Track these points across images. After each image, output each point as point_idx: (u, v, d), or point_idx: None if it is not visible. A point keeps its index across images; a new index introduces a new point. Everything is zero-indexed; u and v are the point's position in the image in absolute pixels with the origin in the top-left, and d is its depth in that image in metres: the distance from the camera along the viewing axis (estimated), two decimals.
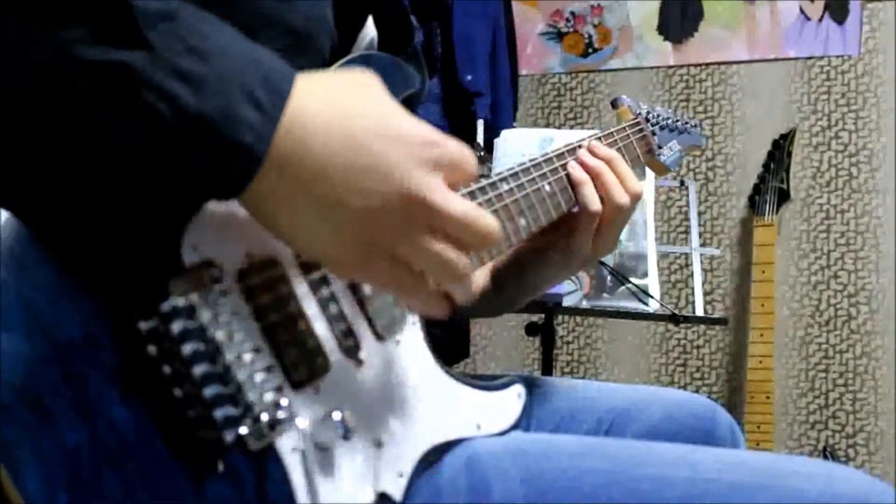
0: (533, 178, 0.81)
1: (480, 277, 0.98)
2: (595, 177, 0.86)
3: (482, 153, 2.07)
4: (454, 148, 0.59)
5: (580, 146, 0.89)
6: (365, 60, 0.74)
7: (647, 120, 1.03)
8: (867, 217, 2.59)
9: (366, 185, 0.54)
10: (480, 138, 2.17)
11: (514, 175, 0.79)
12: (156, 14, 0.51)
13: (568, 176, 0.86)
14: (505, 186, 0.77)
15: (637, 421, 0.90)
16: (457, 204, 0.57)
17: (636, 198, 0.88)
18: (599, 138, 0.93)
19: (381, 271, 0.57)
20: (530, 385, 0.95)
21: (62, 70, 0.49)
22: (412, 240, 0.56)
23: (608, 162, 0.88)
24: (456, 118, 2.68)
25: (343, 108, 0.56)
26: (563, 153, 0.87)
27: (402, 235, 0.56)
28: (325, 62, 0.73)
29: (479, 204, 0.73)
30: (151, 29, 0.51)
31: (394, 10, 0.85)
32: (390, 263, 0.57)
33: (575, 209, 0.87)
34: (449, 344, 1.03)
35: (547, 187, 0.82)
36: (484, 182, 0.74)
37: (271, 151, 0.52)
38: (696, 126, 1.13)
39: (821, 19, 2.66)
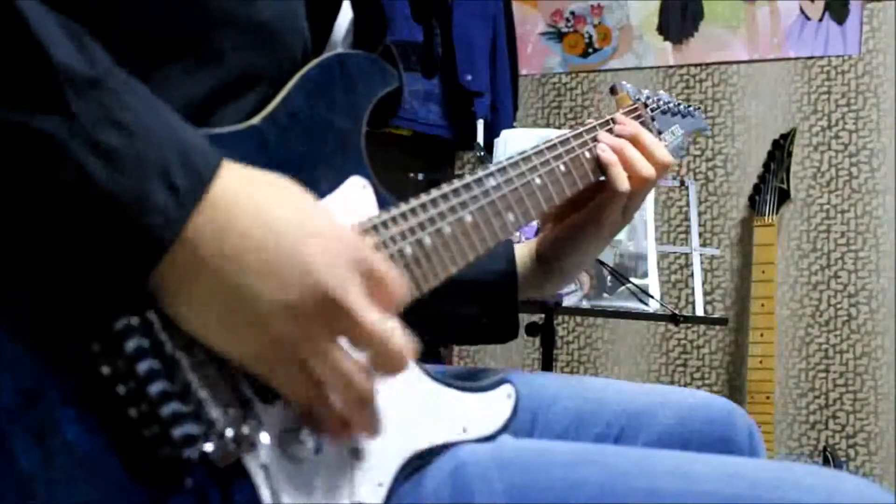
0: (522, 172, 0.79)
1: (526, 254, 0.99)
2: (618, 154, 0.90)
3: (482, 153, 2.07)
4: (381, 263, 0.58)
5: (574, 136, 0.88)
6: (340, 60, 0.72)
7: (647, 105, 1.02)
8: (867, 217, 2.59)
9: (283, 278, 0.53)
10: (480, 138, 2.17)
11: (502, 170, 0.77)
12: (81, 80, 0.50)
13: (597, 158, 0.89)
14: (492, 182, 0.74)
15: (648, 427, 0.87)
16: (373, 315, 0.55)
17: (663, 167, 0.92)
18: (595, 126, 0.92)
19: (283, 375, 0.55)
20: (534, 385, 0.94)
21: None
22: (319, 344, 0.54)
23: (631, 138, 0.92)
24: (456, 118, 2.68)
25: (269, 200, 0.55)
26: (554, 145, 0.85)
27: (312, 337, 0.54)
28: (295, 61, 0.70)
29: (464, 201, 0.71)
30: (73, 95, 0.49)
31: (368, 1, 0.83)
32: (292, 368, 0.55)
33: (601, 182, 0.91)
34: (497, 324, 1.03)
35: (537, 180, 0.81)
36: (469, 178, 0.72)
37: (184, 235, 0.51)
38: (698, 108, 1.13)
39: (821, 19, 2.66)
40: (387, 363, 0.57)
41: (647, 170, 0.90)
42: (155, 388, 0.52)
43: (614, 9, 2.90)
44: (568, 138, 0.87)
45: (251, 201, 0.54)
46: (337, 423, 0.58)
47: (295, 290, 0.53)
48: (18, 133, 0.48)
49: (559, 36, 2.97)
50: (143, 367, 0.52)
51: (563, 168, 0.85)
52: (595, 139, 0.91)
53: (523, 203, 0.78)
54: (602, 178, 0.90)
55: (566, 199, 0.86)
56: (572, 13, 2.96)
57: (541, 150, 0.83)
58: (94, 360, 0.52)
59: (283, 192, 0.57)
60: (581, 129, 0.90)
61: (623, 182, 0.89)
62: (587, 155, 0.89)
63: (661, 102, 1.05)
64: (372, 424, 0.60)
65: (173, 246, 0.51)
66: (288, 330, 0.53)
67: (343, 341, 0.56)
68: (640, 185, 0.90)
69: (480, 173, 0.74)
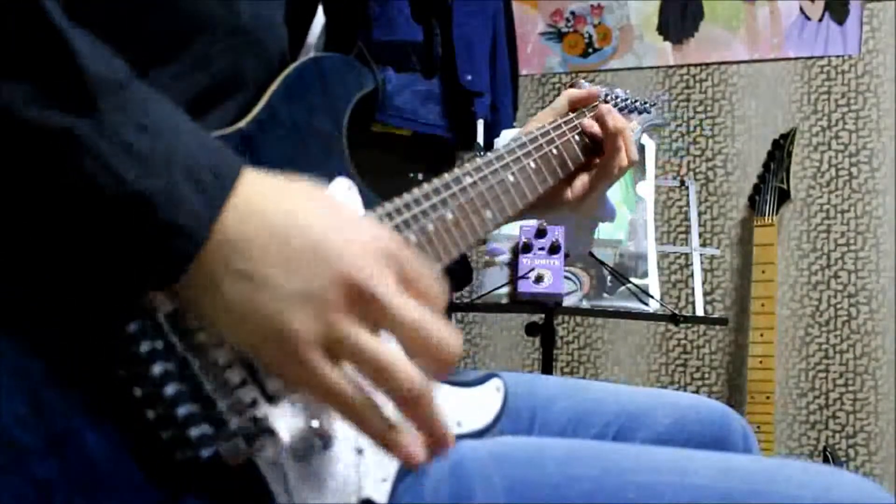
0: (496, 170, 0.81)
1: None
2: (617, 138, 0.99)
3: (482, 153, 2.07)
4: (416, 262, 0.55)
5: (542, 134, 0.91)
6: (316, 63, 0.72)
7: (606, 103, 1.04)
8: (867, 217, 2.59)
9: (306, 269, 0.51)
10: (480, 138, 2.17)
11: (477, 168, 0.79)
12: (107, 82, 0.50)
13: (586, 144, 0.97)
14: (468, 180, 0.76)
15: (645, 427, 0.88)
16: (404, 300, 0.52)
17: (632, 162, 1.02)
18: (560, 124, 0.95)
19: (310, 371, 0.52)
20: (534, 386, 0.94)
21: (2, 126, 0.48)
22: (342, 330, 0.51)
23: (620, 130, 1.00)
24: (456, 118, 2.68)
25: (293, 196, 0.54)
26: (524, 143, 0.87)
27: (333, 324, 0.51)
28: (274, 64, 0.71)
29: (444, 200, 0.71)
30: (101, 97, 0.50)
31: (343, 4, 0.84)
32: (323, 362, 0.52)
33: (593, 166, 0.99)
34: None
35: (510, 177, 0.82)
36: (447, 177, 0.74)
37: (214, 234, 0.51)
38: (654, 104, 1.14)
39: (821, 19, 2.66)
40: (428, 351, 0.52)
41: (625, 161, 0.99)
42: (170, 389, 0.53)
43: (614, 9, 2.90)
44: (535, 136, 0.90)
45: (276, 198, 0.54)
46: (381, 428, 0.53)
47: (317, 279, 0.51)
48: (48, 135, 0.48)
49: (559, 36, 2.97)
50: (157, 369, 0.53)
51: (533, 165, 0.87)
52: (562, 135, 0.94)
53: (499, 200, 0.80)
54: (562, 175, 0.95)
55: (538, 196, 0.88)
56: (572, 13, 2.96)
57: (511, 148, 0.85)
58: (108, 364, 0.52)
59: (306, 189, 0.56)
60: (547, 126, 0.93)
61: (623, 166, 0.98)
62: (554, 151, 0.92)
63: (620, 99, 1.07)
64: (437, 426, 0.54)
65: (204, 245, 0.51)
66: (309, 321, 0.51)
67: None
68: (620, 174, 0.99)
69: (457, 171, 0.76)
